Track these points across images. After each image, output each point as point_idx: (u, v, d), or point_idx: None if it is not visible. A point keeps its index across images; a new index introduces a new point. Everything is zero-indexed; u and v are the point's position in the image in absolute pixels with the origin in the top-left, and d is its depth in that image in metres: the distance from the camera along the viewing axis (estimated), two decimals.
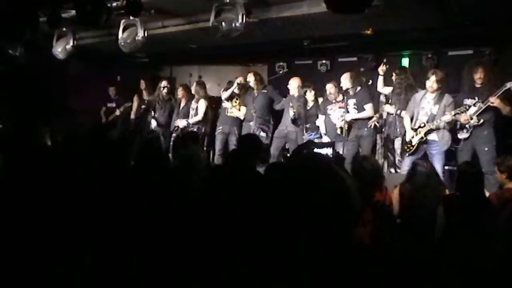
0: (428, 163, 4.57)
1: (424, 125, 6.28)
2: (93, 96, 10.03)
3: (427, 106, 6.34)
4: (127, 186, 3.60)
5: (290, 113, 7.48)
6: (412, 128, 6.41)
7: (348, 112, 7.15)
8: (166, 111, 8.96)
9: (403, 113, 6.70)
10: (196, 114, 8.41)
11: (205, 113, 8.38)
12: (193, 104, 8.51)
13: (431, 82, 6.28)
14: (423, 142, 6.29)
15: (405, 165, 6.46)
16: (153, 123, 8.87)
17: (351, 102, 7.19)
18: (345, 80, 7.26)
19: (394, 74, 7.06)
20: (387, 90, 7.29)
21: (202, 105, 8.40)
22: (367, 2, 3.85)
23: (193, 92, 8.62)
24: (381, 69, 7.33)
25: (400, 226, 4.24)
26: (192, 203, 3.30)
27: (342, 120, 7.11)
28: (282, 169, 3.21)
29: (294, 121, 7.55)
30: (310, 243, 1.52)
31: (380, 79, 7.37)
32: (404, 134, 6.58)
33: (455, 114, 6.10)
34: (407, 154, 6.47)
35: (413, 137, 6.36)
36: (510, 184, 4.38)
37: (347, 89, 7.21)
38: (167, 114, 8.96)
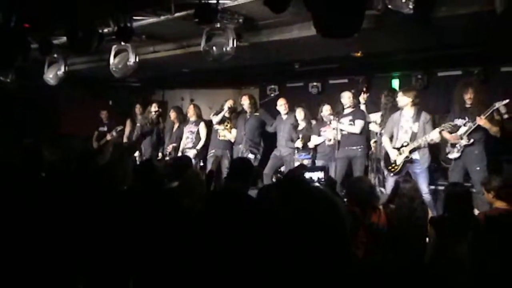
0: (412, 181, 4.57)
1: (408, 144, 6.31)
2: (85, 120, 10.02)
3: (406, 124, 6.38)
4: (120, 210, 3.59)
5: (297, 143, 7.51)
6: (394, 148, 6.43)
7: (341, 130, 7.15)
8: (154, 135, 8.98)
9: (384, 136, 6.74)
10: (197, 138, 8.42)
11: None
12: (192, 127, 8.50)
13: (406, 101, 6.33)
14: (408, 161, 6.31)
15: (389, 185, 6.46)
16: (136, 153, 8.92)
17: (346, 120, 7.19)
18: (345, 99, 7.25)
19: (383, 96, 7.10)
20: (374, 116, 7.29)
21: (203, 128, 8.44)
22: (356, 26, 3.90)
23: (190, 115, 8.63)
24: (363, 97, 7.37)
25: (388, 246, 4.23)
26: (191, 227, 3.30)
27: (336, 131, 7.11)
28: (273, 195, 3.21)
29: (300, 149, 7.58)
30: (305, 267, 1.52)
31: (363, 108, 7.37)
32: (386, 154, 6.58)
33: (441, 131, 6.14)
34: (391, 174, 6.46)
35: (397, 156, 6.37)
36: (497, 203, 4.39)
37: (346, 107, 7.22)
38: (155, 138, 8.97)
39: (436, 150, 6.71)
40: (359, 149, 7.14)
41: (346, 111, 7.20)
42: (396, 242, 4.09)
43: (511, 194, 4.27)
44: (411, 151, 6.26)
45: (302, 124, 7.73)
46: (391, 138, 6.51)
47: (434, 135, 6.16)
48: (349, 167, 7.13)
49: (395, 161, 6.36)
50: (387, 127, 6.61)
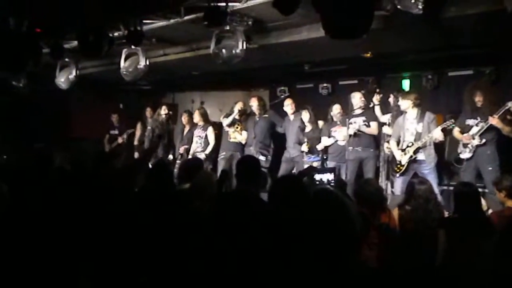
0: (427, 182, 4.55)
1: (412, 144, 6.31)
2: (96, 124, 10.11)
3: (411, 126, 6.41)
4: (131, 212, 3.62)
5: (304, 147, 7.51)
6: (400, 149, 6.44)
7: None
8: (165, 138, 9.02)
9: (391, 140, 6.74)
10: (206, 142, 8.47)
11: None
12: (200, 132, 8.55)
13: (407, 103, 6.33)
14: (413, 161, 6.30)
15: (397, 186, 6.46)
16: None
17: (360, 119, 7.16)
18: (356, 99, 7.24)
19: (392, 97, 7.07)
20: (386, 118, 7.27)
21: (211, 132, 8.49)
22: (365, 27, 3.90)
23: (196, 120, 8.68)
24: (376, 98, 7.31)
25: (402, 248, 4.21)
26: (201, 229, 3.32)
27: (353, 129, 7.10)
28: (281, 196, 3.22)
29: (308, 152, 7.58)
30: (316, 268, 1.52)
31: (377, 109, 7.34)
32: (393, 156, 6.60)
33: (442, 129, 6.12)
34: (397, 175, 6.47)
35: (402, 156, 6.38)
36: (509, 203, 4.36)
37: (355, 108, 7.20)
38: (166, 140, 9.02)
39: (443, 149, 6.70)
40: (371, 150, 7.14)
41: (357, 111, 7.18)
42: (410, 244, 4.08)
43: None
44: (415, 151, 6.27)
45: (308, 127, 7.70)
46: (398, 142, 6.52)
47: (436, 133, 6.16)
48: (360, 169, 7.12)
49: (400, 161, 6.38)
50: (394, 131, 6.62)
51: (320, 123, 7.82)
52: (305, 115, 7.69)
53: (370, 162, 7.11)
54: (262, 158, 7.80)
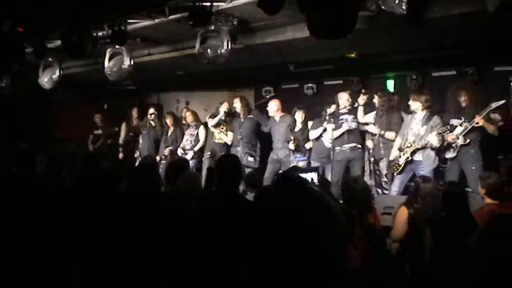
0: (432, 180, 4.56)
1: (411, 145, 6.35)
2: (80, 124, 10.03)
3: (416, 127, 6.42)
4: (115, 214, 3.59)
5: (291, 146, 7.51)
6: (399, 148, 6.48)
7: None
8: (151, 139, 9.05)
9: (387, 134, 6.77)
10: (196, 140, 8.53)
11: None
12: (192, 131, 8.60)
13: (417, 105, 6.37)
14: (409, 162, 6.34)
15: (395, 185, 6.50)
16: (136, 154, 9.00)
17: (349, 117, 7.21)
18: (343, 100, 7.27)
19: (377, 97, 7.09)
20: (369, 117, 7.27)
21: (202, 130, 8.57)
22: (349, 28, 3.91)
23: (189, 120, 8.72)
24: (362, 98, 7.25)
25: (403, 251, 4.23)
26: (187, 230, 3.31)
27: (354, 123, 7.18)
28: (268, 196, 3.21)
29: (294, 151, 7.58)
30: (300, 268, 1.52)
31: (360, 109, 7.29)
32: (389, 155, 6.64)
33: (437, 133, 6.15)
34: (395, 174, 6.51)
35: (399, 156, 6.42)
36: (488, 200, 4.43)
37: (342, 108, 7.24)
38: (152, 142, 9.04)
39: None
40: (359, 150, 7.16)
41: (343, 110, 7.21)
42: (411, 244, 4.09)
43: (500, 193, 4.34)
44: (412, 153, 6.30)
45: (299, 126, 7.73)
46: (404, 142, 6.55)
47: (431, 138, 6.16)
48: (347, 170, 7.13)
49: (398, 160, 6.41)
50: (401, 130, 6.61)
51: (309, 123, 7.85)
52: (298, 115, 7.72)
53: (358, 163, 7.14)
54: (250, 159, 7.80)
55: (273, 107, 7.97)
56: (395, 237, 4.31)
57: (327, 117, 7.30)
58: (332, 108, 7.39)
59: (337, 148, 7.04)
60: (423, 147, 6.25)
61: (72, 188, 4.26)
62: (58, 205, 3.74)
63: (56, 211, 3.65)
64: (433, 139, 6.15)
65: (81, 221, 3.59)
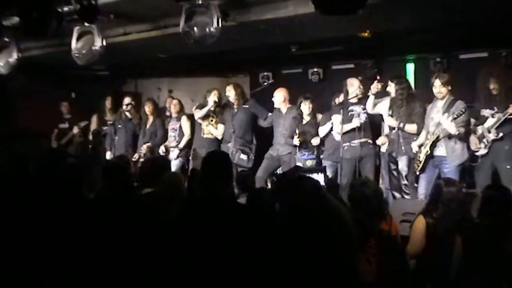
0: (456, 182, 4.55)
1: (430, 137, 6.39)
2: (43, 116, 10.01)
3: (436, 116, 6.44)
4: (87, 221, 3.62)
5: (295, 141, 7.52)
6: (419, 144, 6.51)
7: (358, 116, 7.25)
8: (128, 133, 9.04)
9: (408, 127, 6.77)
10: (181, 134, 8.61)
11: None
12: (174, 124, 8.63)
13: (437, 87, 6.39)
14: (430, 157, 6.36)
15: (421, 186, 6.51)
16: (108, 153, 9.01)
17: (358, 108, 7.25)
18: (355, 87, 7.31)
19: (393, 84, 7.07)
20: (381, 108, 7.28)
21: (185, 122, 8.64)
22: (361, 2, 3.93)
23: (173, 110, 8.74)
24: (375, 87, 7.18)
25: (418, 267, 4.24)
26: (169, 235, 3.32)
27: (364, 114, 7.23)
28: (265, 200, 3.24)
29: (301, 147, 7.60)
30: (307, 283, 1.54)
31: (371, 99, 7.24)
32: (411, 151, 6.67)
33: (453, 118, 6.14)
34: (417, 172, 6.55)
35: (420, 152, 6.45)
36: None
37: (351, 97, 7.27)
38: (129, 137, 9.03)
39: None
40: (370, 146, 7.20)
41: (353, 100, 7.25)
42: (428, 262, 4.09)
43: None
44: (432, 146, 6.31)
45: (306, 119, 7.74)
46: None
47: (445, 124, 6.18)
48: (357, 170, 7.16)
49: (418, 156, 6.44)
50: (426, 122, 6.63)
51: (318, 116, 7.87)
52: (305, 106, 7.73)
53: (369, 162, 7.18)
54: (243, 157, 7.81)
55: (280, 97, 7.97)
56: (411, 252, 4.29)
57: (334, 108, 7.35)
58: (341, 97, 7.42)
59: (346, 145, 7.07)
60: (440, 138, 6.27)
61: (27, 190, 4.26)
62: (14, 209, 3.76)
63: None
64: (449, 126, 6.16)
65: (36, 233, 3.60)
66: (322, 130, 7.58)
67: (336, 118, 7.28)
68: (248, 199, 3.70)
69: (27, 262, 3.43)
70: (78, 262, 3.40)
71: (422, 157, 6.41)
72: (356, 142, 7.12)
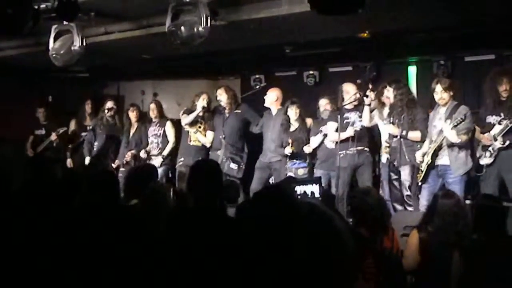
0: (455, 195, 4.56)
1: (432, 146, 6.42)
2: (17, 121, 9.96)
3: (439, 123, 6.47)
4: (65, 238, 3.60)
5: (287, 150, 7.52)
6: (423, 152, 6.54)
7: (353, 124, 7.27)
8: (109, 139, 8.99)
9: (410, 134, 6.78)
10: (164, 141, 8.54)
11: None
12: (156, 130, 8.58)
13: (439, 93, 6.42)
14: (432, 166, 6.39)
15: (423, 197, 6.53)
16: (87, 160, 8.98)
17: (354, 115, 7.26)
18: (351, 93, 7.31)
19: (391, 90, 7.07)
20: (376, 117, 7.29)
21: (169, 128, 8.58)
22: (359, 0, 3.95)
23: (151, 115, 8.71)
24: (370, 99, 7.11)
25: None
26: (156, 251, 3.32)
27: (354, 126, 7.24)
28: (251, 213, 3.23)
29: (292, 156, 7.59)
30: None
31: (366, 111, 7.17)
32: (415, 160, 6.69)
33: (453, 126, 6.16)
34: (419, 183, 6.57)
35: (422, 161, 6.47)
36: None
37: (347, 103, 7.28)
38: (110, 142, 8.99)
39: None
40: (367, 154, 7.23)
41: (349, 106, 7.27)
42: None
43: None
44: (434, 155, 6.34)
45: (294, 125, 7.72)
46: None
47: (446, 132, 6.21)
48: (354, 179, 7.18)
49: (421, 166, 6.46)
50: (429, 130, 6.64)
51: (308, 121, 7.87)
52: (292, 111, 7.68)
53: (367, 171, 7.19)
54: (233, 166, 7.80)
55: (272, 96, 7.95)
56: (406, 267, 4.30)
57: (326, 115, 7.36)
58: (327, 105, 7.46)
59: (342, 153, 7.08)
60: (443, 146, 6.30)
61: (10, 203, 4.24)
62: None
63: None
64: (450, 133, 6.19)
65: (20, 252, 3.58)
66: (314, 141, 7.56)
67: (331, 126, 7.29)
68: (236, 213, 3.69)
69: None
70: (62, 278, 3.38)
71: (424, 166, 6.44)
72: (352, 150, 7.13)
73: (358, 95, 7.25)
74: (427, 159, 6.40)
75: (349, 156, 7.13)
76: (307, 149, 7.57)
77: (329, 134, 7.42)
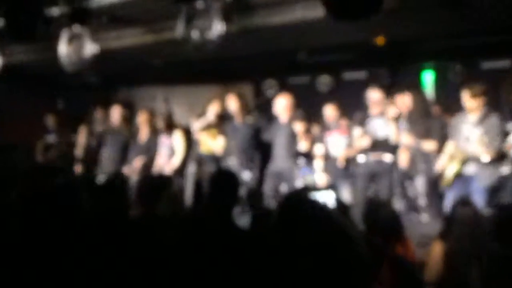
0: (472, 203, 4.54)
1: (460, 154, 6.36)
2: (28, 127, 10.03)
3: (467, 130, 6.39)
4: (81, 244, 3.61)
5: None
6: (449, 159, 6.48)
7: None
8: (118, 147, 8.92)
9: (425, 145, 6.74)
10: (171, 152, 8.47)
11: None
12: (164, 139, 8.52)
13: (467, 101, 6.33)
14: (458, 175, 6.34)
15: (445, 207, 6.46)
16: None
17: (382, 122, 7.19)
18: (376, 99, 7.23)
19: (408, 96, 7.02)
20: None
21: (178, 139, 8.44)
22: (376, 5, 3.97)
23: (159, 125, 8.66)
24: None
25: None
26: (166, 265, 3.33)
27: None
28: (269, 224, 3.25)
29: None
30: None
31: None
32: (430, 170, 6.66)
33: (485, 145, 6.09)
34: (443, 190, 6.52)
35: (446, 167, 6.42)
36: None
37: (374, 111, 7.23)
38: (119, 151, 8.92)
39: None
40: (387, 161, 7.13)
41: (374, 112, 7.16)
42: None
43: None
44: (460, 162, 6.29)
45: (302, 142, 7.58)
46: None
47: (473, 146, 6.16)
48: (371, 187, 7.16)
49: (445, 173, 6.41)
50: (452, 133, 6.58)
51: (315, 129, 7.88)
52: (298, 125, 7.55)
53: (384, 179, 7.11)
54: (247, 175, 7.74)
55: (282, 103, 7.84)
56: (428, 279, 4.29)
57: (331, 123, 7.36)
58: (328, 113, 7.42)
59: (360, 159, 7.05)
60: (470, 155, 6.26)
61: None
62: None
63: None
64: (477, 148, 6.13)
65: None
66: (317, 150, 7.57)
67: (356, 132, 7.21)
68: (252, 221, 3.70)
69: None
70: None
71: (449, 173, 6.37)
72: (372, 157, 7.09)
73: (382, 102, 7.16)
74: (454, 166, 6.33)
75: (368, 163, 7.09)
76: (317, 163, 7.56)
77: (353, 140, 7.34)
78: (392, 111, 7.00)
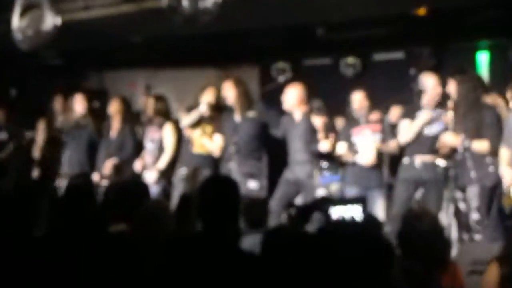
0: None
1: None
2: None
3: None
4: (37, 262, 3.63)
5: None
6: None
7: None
8: (83, 145, 8.92)
9: (476, 145, 6.70)
10: (159, 148, 8.47)
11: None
12: (154, 133, 8.50)
13: None
14: None
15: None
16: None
17: (437, 113, 7.15)
18: (430, 87, 7.21)
19: (455, 83, 6.98)
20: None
21: (170, 132, 8.44)
22: None
23: (149, 111, 8.64)
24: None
25: None
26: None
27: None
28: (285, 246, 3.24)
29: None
30: None
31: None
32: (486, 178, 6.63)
33: None
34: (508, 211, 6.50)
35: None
36: None
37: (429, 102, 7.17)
38: (85, 150, 8.92)
39: None
40: (440, 167, 7.05)
41: (429, 103, 7.09)
42: None
43: None
44: None
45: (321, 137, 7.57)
46: None
47: None
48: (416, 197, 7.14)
49: (509, 189, 6.37)
50: (504, 137, 6.54)
51: (339, 122, 7.86)
52: (317, 121, 7.60)
53: (434, 188, 7.07)
54: (253, 184, 7.68)
55: (293, 96, 7.83)
56: None
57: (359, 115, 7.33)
58: (357, 103, 7.40)
59: (406, 160, 7.01)
60: None
61: None
62: None
63: None
64: None
65: None
66: (340, 148, 7.50)
67: (403, 124, 7.14)
68: (262, 242, 3.66)
69: None
70: None
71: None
72: (420, 159, 7.03)
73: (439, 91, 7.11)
74: None
75: (416, 167, 7.06)
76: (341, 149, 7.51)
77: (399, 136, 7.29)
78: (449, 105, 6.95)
